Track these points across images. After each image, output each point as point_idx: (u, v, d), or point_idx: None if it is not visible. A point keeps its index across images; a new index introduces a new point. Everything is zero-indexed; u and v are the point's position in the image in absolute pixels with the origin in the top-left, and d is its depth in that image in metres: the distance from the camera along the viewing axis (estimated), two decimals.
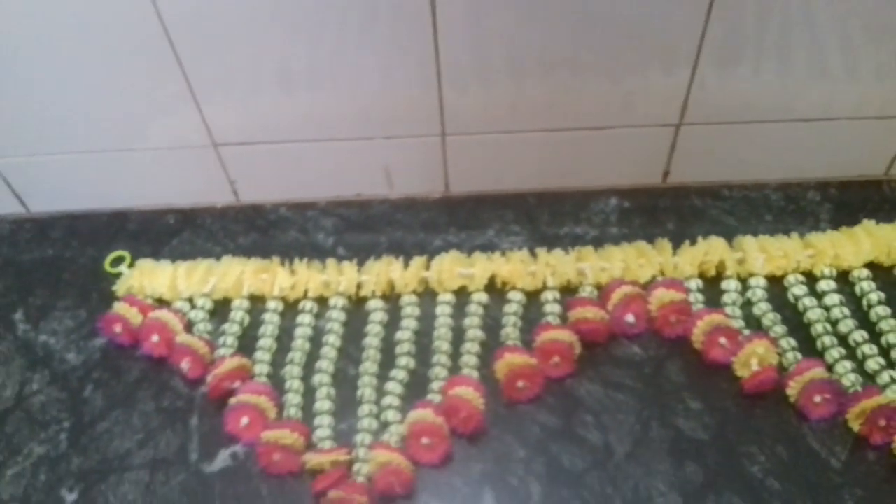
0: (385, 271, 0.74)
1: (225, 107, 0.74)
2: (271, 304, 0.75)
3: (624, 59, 0.70)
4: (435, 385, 0.69)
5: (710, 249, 0.73)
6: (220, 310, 0.76)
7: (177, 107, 0.74)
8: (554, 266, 0.73)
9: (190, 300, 0.75)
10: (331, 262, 0.76)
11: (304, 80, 0.72)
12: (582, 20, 0.67)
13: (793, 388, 0.66)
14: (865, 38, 0.68)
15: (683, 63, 0.69)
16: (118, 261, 0.79)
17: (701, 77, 0.70)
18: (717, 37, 0.67)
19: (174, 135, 0.77)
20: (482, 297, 0.74)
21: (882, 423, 0.63)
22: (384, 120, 0.75)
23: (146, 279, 0.76)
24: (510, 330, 0.71)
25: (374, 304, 0.74)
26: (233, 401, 0.68)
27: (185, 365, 0.70)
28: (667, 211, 0.80)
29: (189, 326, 0.74)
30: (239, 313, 0.74)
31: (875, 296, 0.70)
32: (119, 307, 0.74)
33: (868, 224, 0.74)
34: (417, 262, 0.75)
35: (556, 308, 0.72)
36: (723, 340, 0.68)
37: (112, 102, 0.74)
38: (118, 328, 0.73)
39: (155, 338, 0.72)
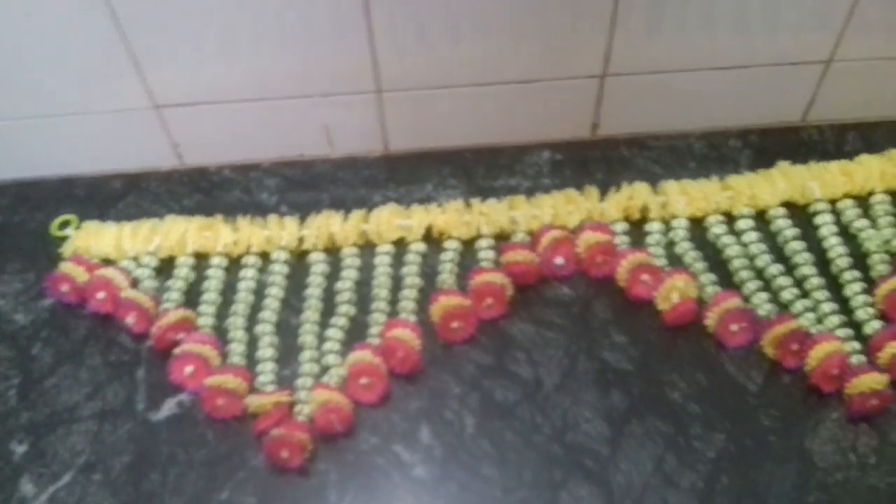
0: (325, 225, 0.77)
1: (165, 69, 0.76)
2: (215, 260, 0.77)
3: (547, 13, 0.73)
4: (374, 329, 0.72)
5: (634, 194, 0.76)
6: (166, 268, 0.78)
7: (119, 70, 0.76)
8: (487, 215, 0.77)
9: (135, 259, 0.77)
10: (273, 217, 0.78)
11: (244, 41, 0.74)
12: None
13: (711, 319, 0.69)
14: None
15: (602, 15, 0.72)
16: (65, 224, 0.81)
17: (622, 28, 0.73)
18: None
19: (117, 99, 0.79)
20: (420, 246, 0.76)
21: (794, 347, 0.67)
22: (321, 78, 0.78)
23: (92, 240, 0.78)
24: (446, 276, 0.74)
25: (316, 256, 0.77)
26: (177, 350, 0.70)
27: (130, 319, 0.73)
28: (596, 162, 0.83)
29: (135, 284, 0.76)
30: (184, 270, 0.77)
31: (790, 232, 0.74)
32: (66, 266, 0.76)
33: (783, 165, 0.77)
34: (357, 215, 0.78)
35: (490, 254, 0.76)
36: (645, 277, 0.71)
37: (55, 68, 0.76)
38: (65, 287, 0.75)
39: (101, 294, 0.74)
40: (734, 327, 0.68)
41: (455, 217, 0.77)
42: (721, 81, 0.79)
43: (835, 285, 0.72)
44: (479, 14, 0.72)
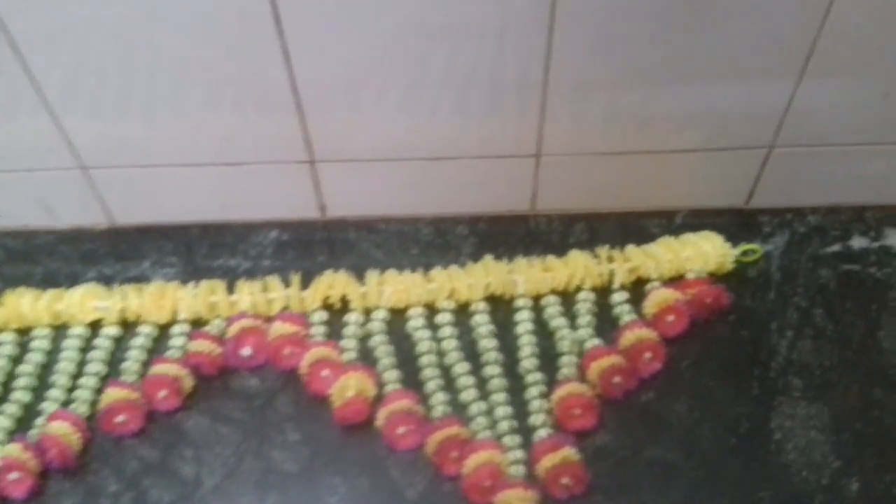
0: (15, 305, 0.74)
1: None
2: None
3: (235, 99, 0.71)
4: (40, 420, 0.69)
5: (334, 283, 0.74)
6: None
7: None
8: (184, 299, 0.74)
9: None
10: None
11: None
12: (179, 65, 0.68)
13: (380, 419, 0.67)
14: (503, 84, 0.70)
15: (285, 103, 0.71)
16: None
17: (312, 115, 0.72)
18: (304, 77, 0.69)
19: None
20: (112, 330, 0.74)
21: (454, 454, 0.65)
22: (21, 153, 0.75)
23: None
24: (130, 364, 0.72)
25: (4, 337, 0.74)
26: None
27: None
28: (321, 244, 0.81)
29: None
30: None
31: (485, 329, 0.73)
32: None
33: (488, 260, 0.76)
34: (51, 294, 0.75)
35: (181, 342, 0.73)
36: (325, 372, 0.69)
37: None
38: None
39: None
40: (401, 430, 0.66)
41: (152, 300, 0.74)
42: (444, 170, 0.78)
43: (520, 387, 0.70)
44: (178, 92, 0.71)
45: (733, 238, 0.79)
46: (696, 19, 0.66)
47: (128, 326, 0.75)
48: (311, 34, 0.66)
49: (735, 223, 0.81)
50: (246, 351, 0.72)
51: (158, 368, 0.70)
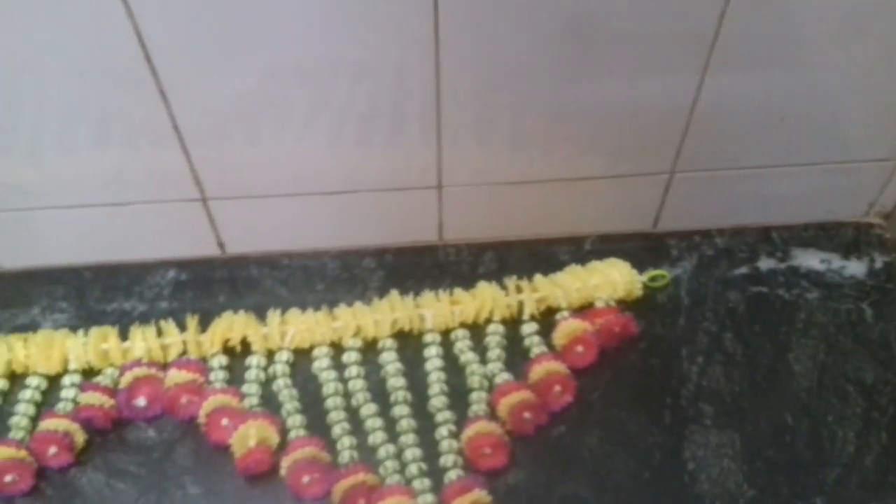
0: None
1: None
2: None
3: (122, 137, 0.68)
4: None
5: (234, 325, 0.71)
6: None
7: None
8: (73, 348, 0.70)
9: None
10: None
11: None
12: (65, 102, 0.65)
13: (283, 469, 0.64)
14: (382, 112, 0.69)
15: (169, 140, 0.68)
16: None
17: (196, 151, 0.69)
18: (185, 114, 0.66)
19: None
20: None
21: (361, 502, 0.62)
22: None
23: None
24: (18, 419, 0.68)
25: None
26: None
27: None
28: (222, 282, 0.78)
29: None
30: None
31: (392, 367, 0.71)
32: None
33: (394, 295, 0.74)
34: None
35: (72, 393, 0.69)
36: (225, 421, 0.66)
37: None
38: None
39: None
40: (306, 478, 0.64)
41: (39, 350, 0.70)
42: (348, 203, 0.76)
43: (430, 427, 0.68)
44: (65, 130, 0.68)
45: (643, 263, 0.78)
46: (589, 47, 0.65)
47: (15, 379, 0.71)
48: (187, 73, 0.63)
49: (644, 247, 0.81)
50: (140, 401, 0.68)
51: (48, 424, 0.66)
